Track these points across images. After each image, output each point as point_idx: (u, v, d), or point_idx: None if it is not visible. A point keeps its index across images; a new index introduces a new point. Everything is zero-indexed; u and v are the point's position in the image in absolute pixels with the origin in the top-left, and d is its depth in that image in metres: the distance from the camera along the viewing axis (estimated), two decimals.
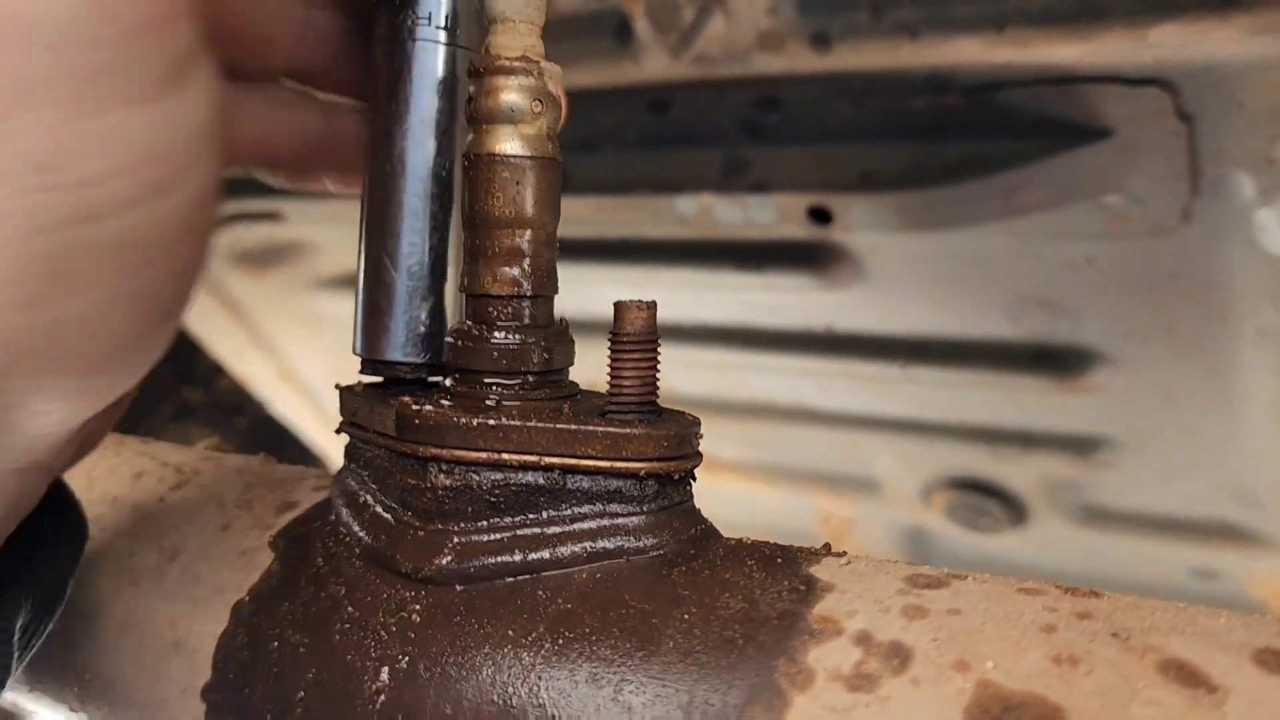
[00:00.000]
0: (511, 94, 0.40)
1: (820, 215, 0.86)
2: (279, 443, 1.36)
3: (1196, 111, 0.74)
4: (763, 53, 0.82)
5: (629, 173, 0.92)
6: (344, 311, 1.29)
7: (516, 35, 0.40)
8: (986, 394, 1.00)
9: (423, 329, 0.43)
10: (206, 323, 1.34)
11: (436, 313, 0.43)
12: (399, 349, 0.43)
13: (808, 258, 0.95)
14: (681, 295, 1.02)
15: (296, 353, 1.39)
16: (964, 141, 0.81)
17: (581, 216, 0.94)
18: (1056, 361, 0.95)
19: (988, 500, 1.09)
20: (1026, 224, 0.84)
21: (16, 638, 0.37)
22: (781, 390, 1.12)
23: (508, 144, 0.40)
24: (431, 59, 0.42)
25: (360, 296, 0.44)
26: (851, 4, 0.78)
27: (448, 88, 0.42)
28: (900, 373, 1.01)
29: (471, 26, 0.42)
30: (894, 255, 0.92)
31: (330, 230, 1.17)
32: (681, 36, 0.82)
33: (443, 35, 0.41)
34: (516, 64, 0.40)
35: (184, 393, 1.24)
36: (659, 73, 0.86)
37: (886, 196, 0.84)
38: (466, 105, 0.41)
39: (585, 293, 0.99)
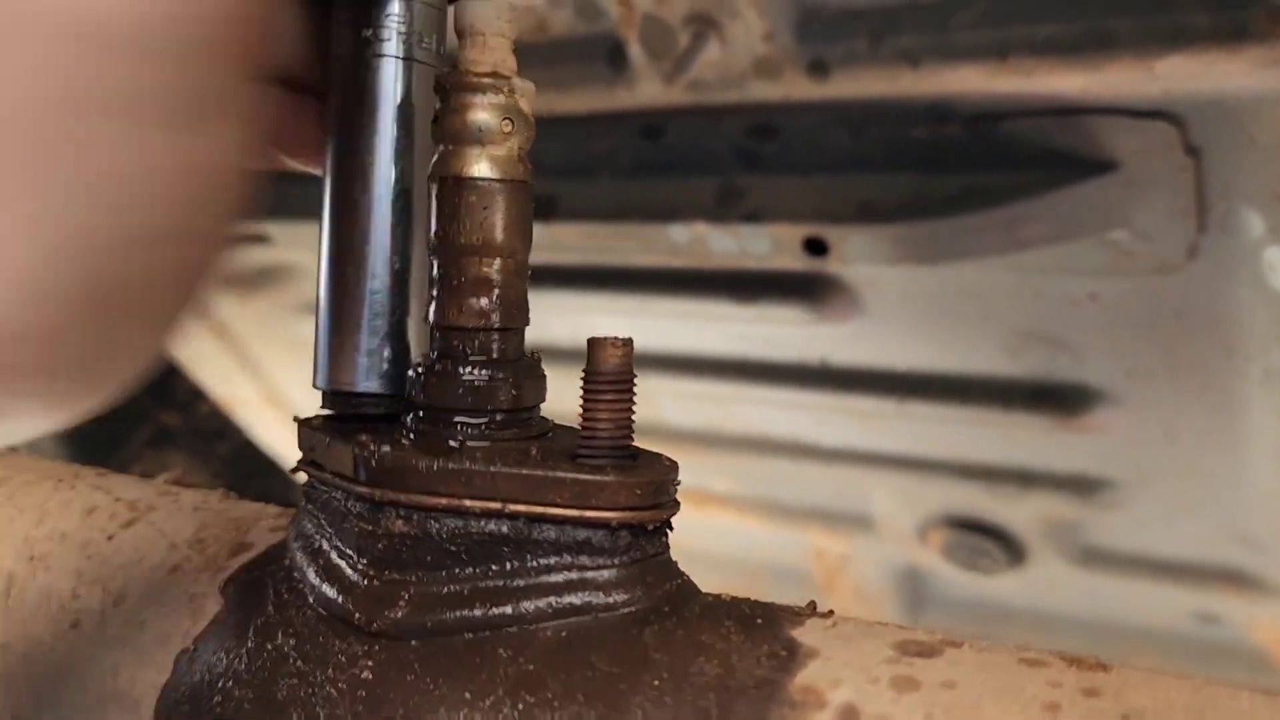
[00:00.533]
0: (480, 112, 0.38)
1: (816, 246, 0.84)
2: (261, 469, 1.33)
3: (1204, 145, 0.72)
4: (759, 80, 0.80)
5: (621, 200, 0.90)
6: None
7: (486, 50, 0.38)
8: (985, 431, 0.97)
9: (386, 361, 0.41)
10: (189, 344, 1.31)
11: (400, 344, 0.41)
12: (360, 381, 0.40)
13: (803, 289, 0.93)
14: (674, 325, 1.00)
15: (283, 376, 1.36)
16: (965, 173, 0.79)
17: (572, 244, 0.92)
18: (1057, 399, 0.93)
19: (985, 540, 1.06)
20: (1028, 258, 0.81)
21: None
22: (775, 424, 1.09)
23: (476, 166, 0.38)
24: (392, 76, 0.39)
25: (319, 325, 0.41)
26: (850, 31, 0.76)
27: (410, 106, 0.39)
28: (897, 408, 0.99)
29: (434, 40, 0.40)
30: (892, 288, 0.89)
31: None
32: (676, 62, 0.80)
33: (403, 50, 0.39)
34: (486, 80, 0.38)
35: (162, 418, 1.21)
36: (653, 99, 0.84)
37: (885, 228, 0.82)
38: (432, 124, 0.39)
39: (575, 321, 0.97)
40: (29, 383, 0.28)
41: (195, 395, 1.28)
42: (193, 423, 1.25)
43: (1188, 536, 0.99)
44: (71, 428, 0.95)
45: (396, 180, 0.40)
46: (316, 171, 0.45)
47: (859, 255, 0.84)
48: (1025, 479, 1.00)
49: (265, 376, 1.37)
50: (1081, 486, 0.99)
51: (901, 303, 0.90)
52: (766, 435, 1.11)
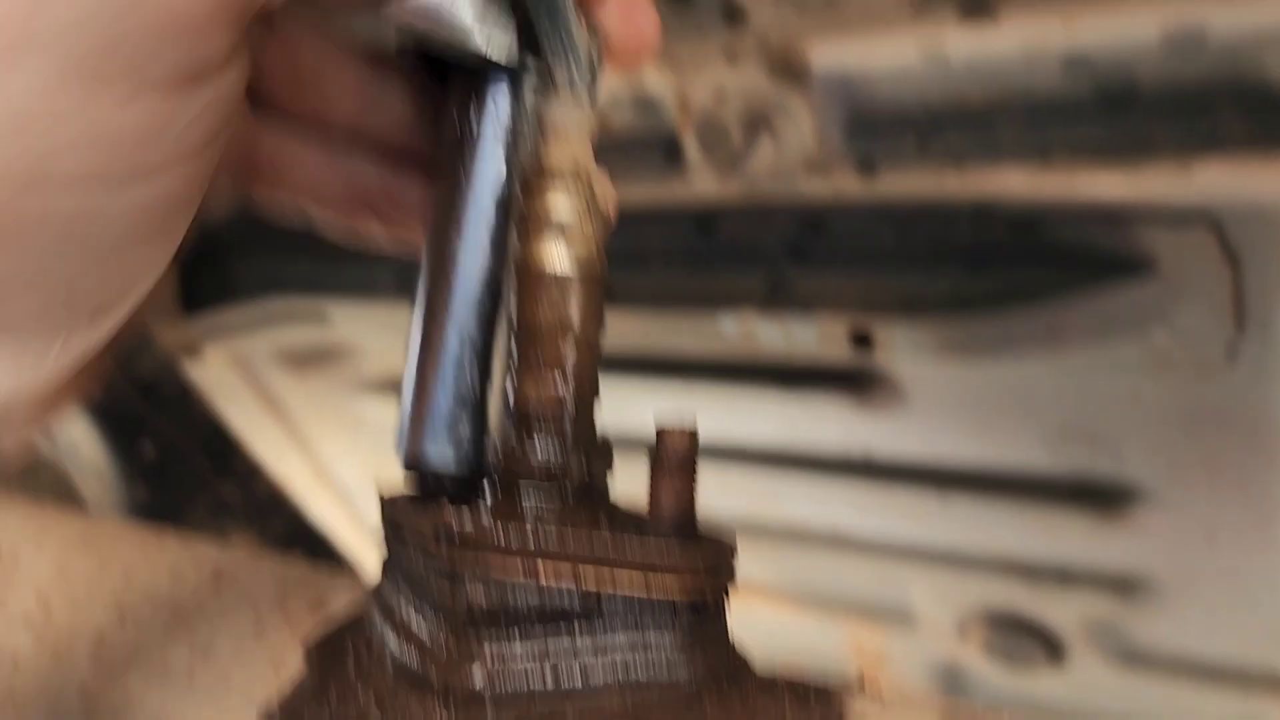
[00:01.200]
0: (560, 205, 0.41)
1: (862, 339, 0.86)
2: (312, 546, 1.36)
3: (1242, 248, 0.74)
4: (809, 177, 0.83)
5: (673, 289, 0.93)
6: (384, 416, 1.30)
7: (567, 146, 0.41)
8: (1026, 526, 0.98)
9: (465, 435, 0.43)
10: (246, 419, 1.35)
11: (479, 420, 0.43)
12: (440, 454, 0.43)
13: (848, 381, 0.95)
14: (720, 413, 1.02)
15: (334, 454, 1.39)
16: (1007, 271, 0.82)
17: (624, 331, 0.95)
18: (1098, 496, 0.94)
19: (1025, 637, 1.06)
20: (1069, 356, 0.83)
21: None
22: (817, 514, 1.10)
23: (555, 255, 0.41)
24: (491, 168, 0.42)
25: (404, 398, 0.44)
26: (898, 132, 0.79)
27: (506, 196, 0.43)
28: (939, 501, 1.00)
29: (533, 136, 0.43)
30: (935, 382, 0.92)
31: (375, 335, 1.18)
32: (730, 159, 0.84)
33: (505, 143, 0.42)
34: (566, 174, 0.41)
35: (221, 490, 1.25)
36: (707, 192, 0.88)
37: (929, 323, 0.84)
38: (517, 215, 0.42)
39: (625, 408, 1.00)
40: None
41: (253, 470, 1.31)
42: (250, 496, 1.29)
43: (1230, 639, 0.98)
44: (134, 496, 0.98)
45: (487, 265, 0.43)
46: (411, 240, 0.48)
47: (903, 349, 0.87)
48: (1065, 576, 1.01)
49: (316, 454, 1.40)
50: (1122, 585, 0.99)
51: (945, 397, 0.92)
52: (808, 525, 1.13)
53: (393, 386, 1.27)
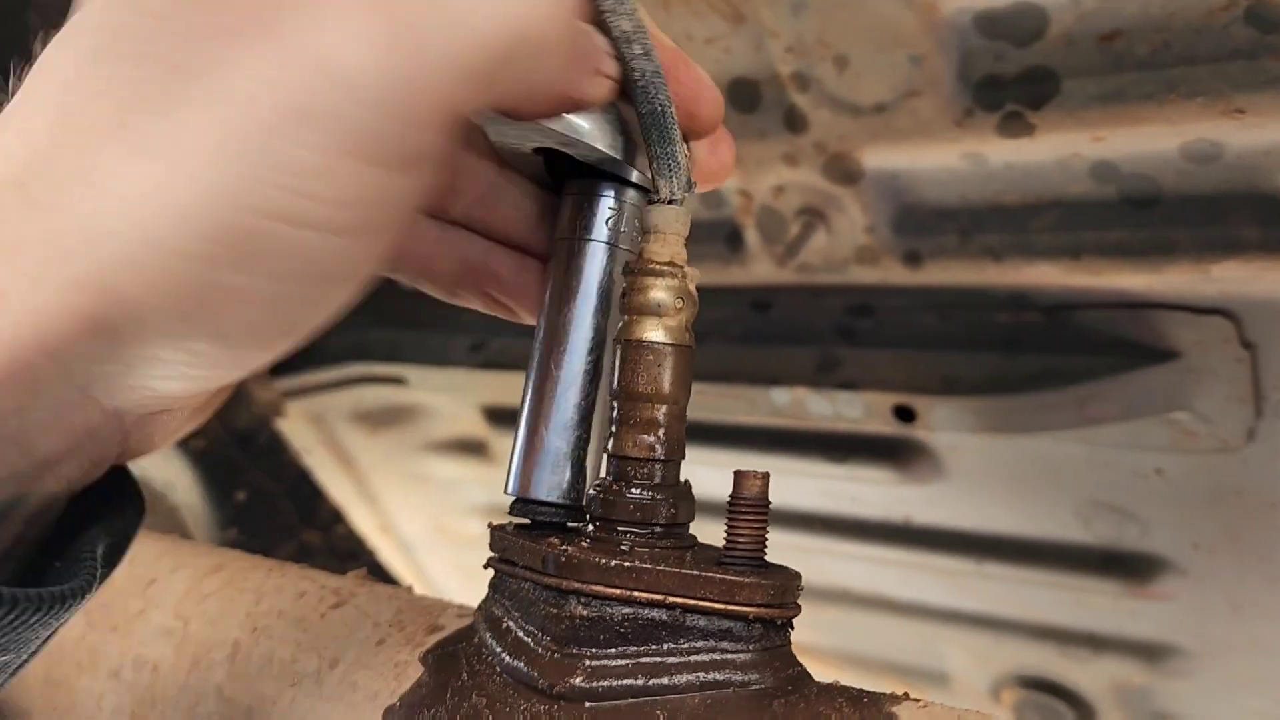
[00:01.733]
0: (659, 292, 0.49)
1: (905, 414, 0.94)
2: None
3: (1258, 340, 0.81)
4: (859, 265, 0.91)
5: (730, 364, 1.01)
6: (447, 474, 1.38)
7: (666, 244, 0.50)
8: (1057, 594, 1.04)
9: (567, 480, 0.51)
10: (324, 472, 1.44)
11: (579, 467, 0.51)
12: (544, 494, 0.51)
13: (891, 452, 1.02)
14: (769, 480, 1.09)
15: (398, 509, 1.47)
16: (1041, 355, 0.89)
17: None
18: (1126, 567, 0.99)
19: (1056, 701, 1.11)
20: (1098, 434, 0.90)
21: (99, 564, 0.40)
22: (858, 578, 1.16)
23: (653, 333, 0.49)
24: (598, 259, 0.51)
25: (517, 446, 0.52)
26: (942, 228, 0.87)
27: (609, 282, 0.51)
28: (975, 568, 1.06)
29: (635, 231, 0.52)
30: (972, 455, 0.98)
31: (447, 398, 1.27)
32: (787, 247, 0.92)
33: (610, 238, 0.51)
34: (665, 268, 0.49)
35: (304, 535, 1.33)
36: (764, 277, 0.96)
37: (967, 400, 0.91)
38: (621, 298, 0.50)
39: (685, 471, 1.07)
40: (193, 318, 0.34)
41: (336, 518, 1.40)
42: (330, 542, 1.37)
43: (1256, 709, 1.03)
44: (225, 538, 1.06)
45: (591, 339, 0.51)
46: (507, 316, 0.56)
47: (943, 424, 0.94)
48: (1096, 643, 1.06)
49: (381, 507, 1.48)
50: (1150, 653, 1.04)
51: (981, 469, 0.99)
52: (848, 588, 1.19)
53: (458, 446, 1.35)
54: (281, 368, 1.30)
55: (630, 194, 0.51)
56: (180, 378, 0.37)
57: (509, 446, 0.53)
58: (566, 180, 0.52)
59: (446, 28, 0.33)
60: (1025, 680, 1.13)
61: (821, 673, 0.48)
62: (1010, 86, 0.77)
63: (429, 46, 0.33)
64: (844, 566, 1.16)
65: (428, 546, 1.52)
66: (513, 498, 0.52)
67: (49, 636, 0.40)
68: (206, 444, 1.20)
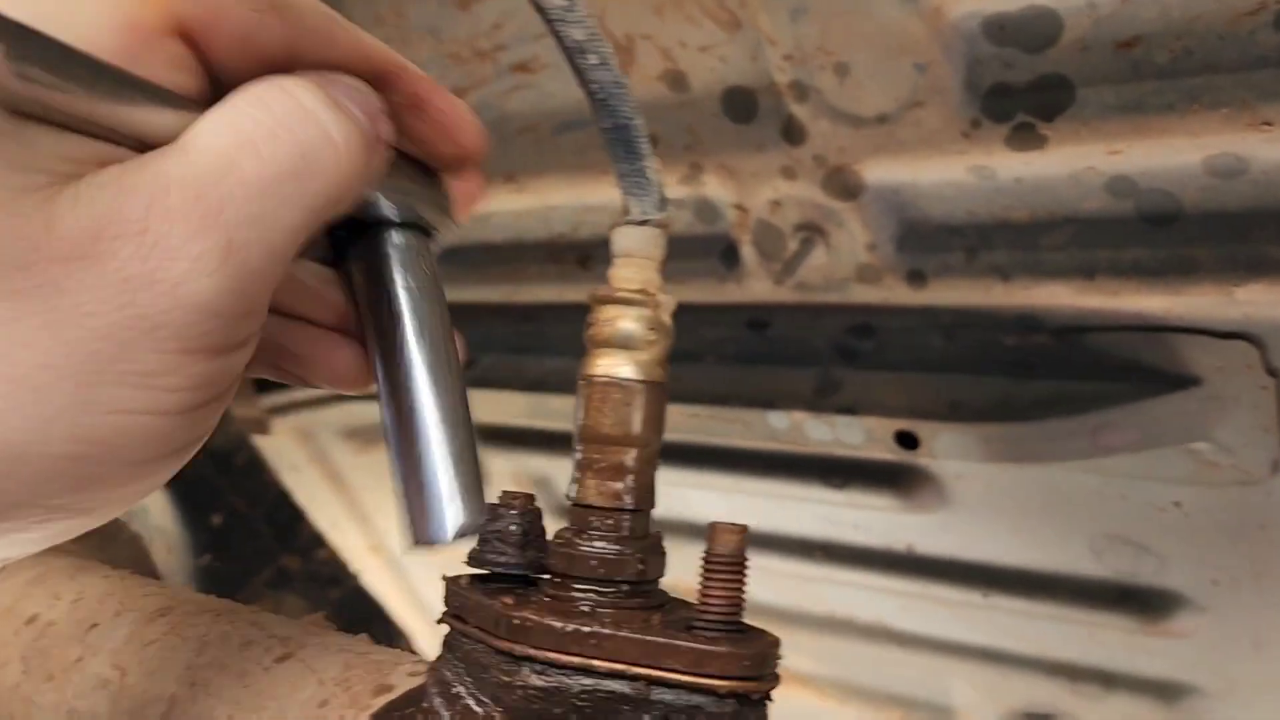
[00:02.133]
0: (629, 323, 0.44)
1: (907, 440, 0.89)
2: (367, 619, 1.39)
3: None
4: (860, 284, 0.87)
5: (726, 385, 0.96)
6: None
7: (637, 269, 0.45)
8: (1069, 629, 0.99)
9: (459, 510, 0.45)
10: (308, 492, 1.39)
11: (473, 492, 0.45)
12: (440, 532, 0.45)
13: (892, 479, 0.97)
14: (767, 506, 1.05)
15: (388, 528, 1.43)
16: (1051, 380, 0.84)
17: (677, 424, 0.98)
18: (1141, 603, 0.94)
19: None
20: (1113, 464, 0.85)
21: None
22: (861, 607, 1.12)
23: (622, 368, 0.44)
24: (395, 300, 0.46)
25: (398, 492, 0.47)
26: (947, 245, 0.82)
27: (412, 317, 0.46)
28: (982, 600, 1.01)
29: (422, 269, 0.47)
30: (978, 484, 0.93)
31: None
32: (785, 264, 0.88)
33: (399, 238, 0.47)
34: (635, 295, 0.44)
35: (283, 560, 1.29)
36: (761, 295, 0.92)
37: (973, 427, 0.86)
38: (585, 329, 0.45)
39: (674, 495, 1.02)
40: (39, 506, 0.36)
41: (316, 542, 1.35)
42: (310, 567, 1.33)
43: None
44: (198, 564, 1.01)
45: (428, 372, 0.46)
46: (326, 387, 0.52)
47: (948, 451, 0.89)
48: (1108, 680, 1.01)
49: (372, 526, 1.44)
50: (1165, 692, 0.99)
51: (988, 498, 0.94)
52: (851, 618, 1.14)
53: None
54: (267, 383, 1.26)
55: (412, 232, 0.48)
56: (18, 547, 0.39)
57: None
58: (347, 247, 0.48)
59: (257, 232, 0.36)
60: (1034, 717, 1.08)
61: (822, 705, 0.43)
62: (1021, 96, 0.72)
63: (250, 255, 0.36)
64: (845, 595, 1.11)
65: (418, 565, 1.47)
66: (411, 544, 0.47)
67: None
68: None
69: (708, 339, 0.96)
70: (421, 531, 0.46)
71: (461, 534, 0.46)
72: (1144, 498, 0.88)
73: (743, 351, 0.96)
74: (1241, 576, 0.89)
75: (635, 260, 0.45)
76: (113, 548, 0.85)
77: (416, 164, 0.46)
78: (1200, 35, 0.65)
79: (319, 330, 0.50)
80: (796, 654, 1.19)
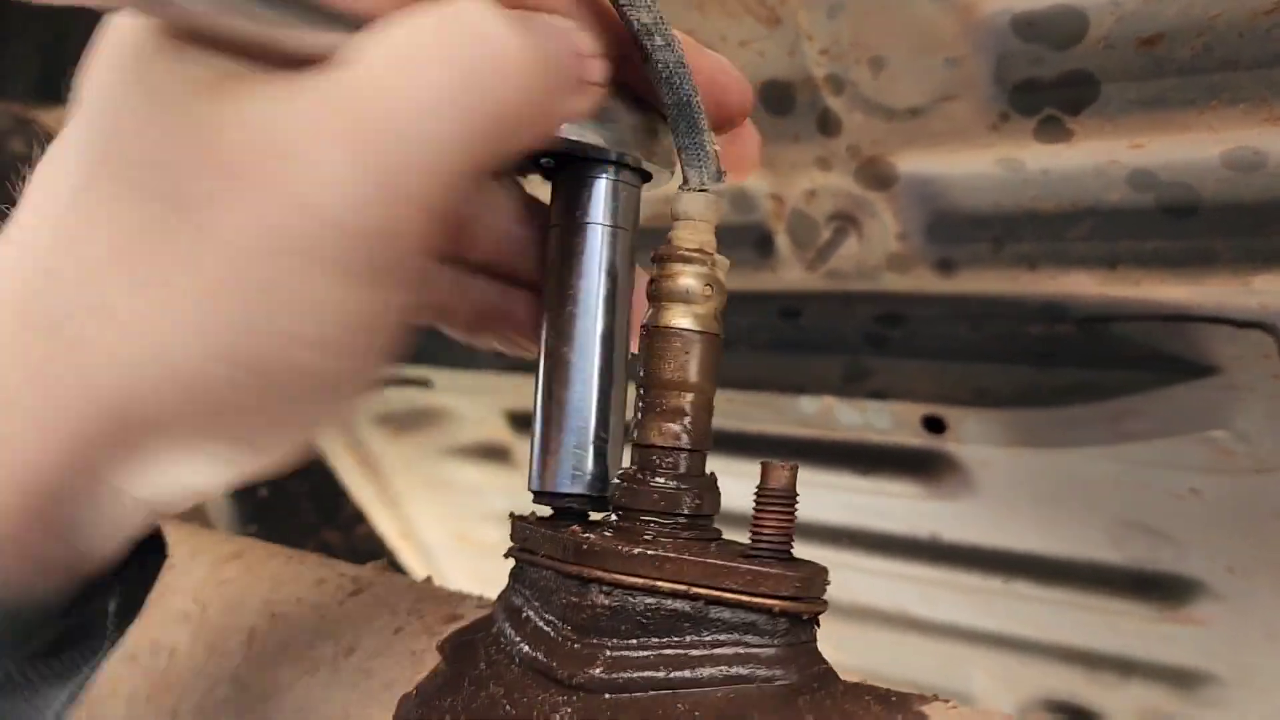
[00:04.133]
0: (688, 279, 0.48)
1: (934, 424, 0.92)
2: None
3: None
4: (890, 273, 0.90)
5: (757, 371, 1.00)
6: (471, 479, 1.37)
7: (696, 231, 0.49)
8: (1087, 616, 1.02)
9: (589, 471, 0.50)
10: (343, 473, 1.43)
11: (600, 457, 0.50)
12: (566, 485, 0.50)
13: (919, 465, 1.00)
14: None
15: (419, 514, 1.46)
16: (1075, 367, 0.87)
17: None
18: (1159, 590, 0.97)
19: None
20: (1133, 451, 0.88)
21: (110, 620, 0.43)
22: (883, 595, 1.15)
23: (681, 320, 0.48)
24: (598, 241, 0.50)
25: (536, 441, 0.51)
26: (975, 236, 0.86)
27: (612, 265, 0.50)
28: (1003, 587, 1.04)
29: (633, 213, 0.51)
30: (1003, 470, 0.96)
31: (472, 402, 1.26)
32: (818, 253, 0.91)
33: (610, 220, 0.50)
34: (694, 254, 0.48)
35: (325, 534, 1.33)
36: (793, 283, 0.95)
37: (998, 412, 0.90)
38: (649, 285, 0.49)
39: None
40: (199, 431, 0.36)
41: (357, 518, 1.39)
42: (351, 542, 1.36)
43: None
44: (245, 533, 1.05)
45: (602, 325, 0.50)
46: (526, 354, 0.55)
47: (973, 436, 0.92)
48: (1126, 667, 1.04)
49: (403, 511, 1.48)
50: (1181, 679, 1.02)
51: (1011, 484, 0.97)
52: (873, 605, 1.17)
53: (481, 452, 1.34)
54: None
55: (623, 172, 0.51)
56: (201, 477, 0.39)
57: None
58: (556, 169, 0.51)
59: (414, 147, 0.35)
60: (1052, 704, 1.10)
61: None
62: (1048, 90, 0.76)
63: (398, 174, 0.35)
64: (868, 582, 1.14)
65: (448, 554, 1.51)
66: (534, 488, 0.51)
67: (71, 698, 0.42)
68: None
69: (741, 327, 1.00)
70: (543, 481, 0.50)
71: (577, 494, 0.49)
72: (1162, 485, 0.91)
73: (775, 339, 0.99)
74: (1257, 564, 0.92)
75: (694, 223, 0.48)
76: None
77: (647, 107, 0.47)
78: (1220, 33, 0.69)
79: (496, 285, 0.53)
80: (820, 642, 1.22)
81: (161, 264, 0.34)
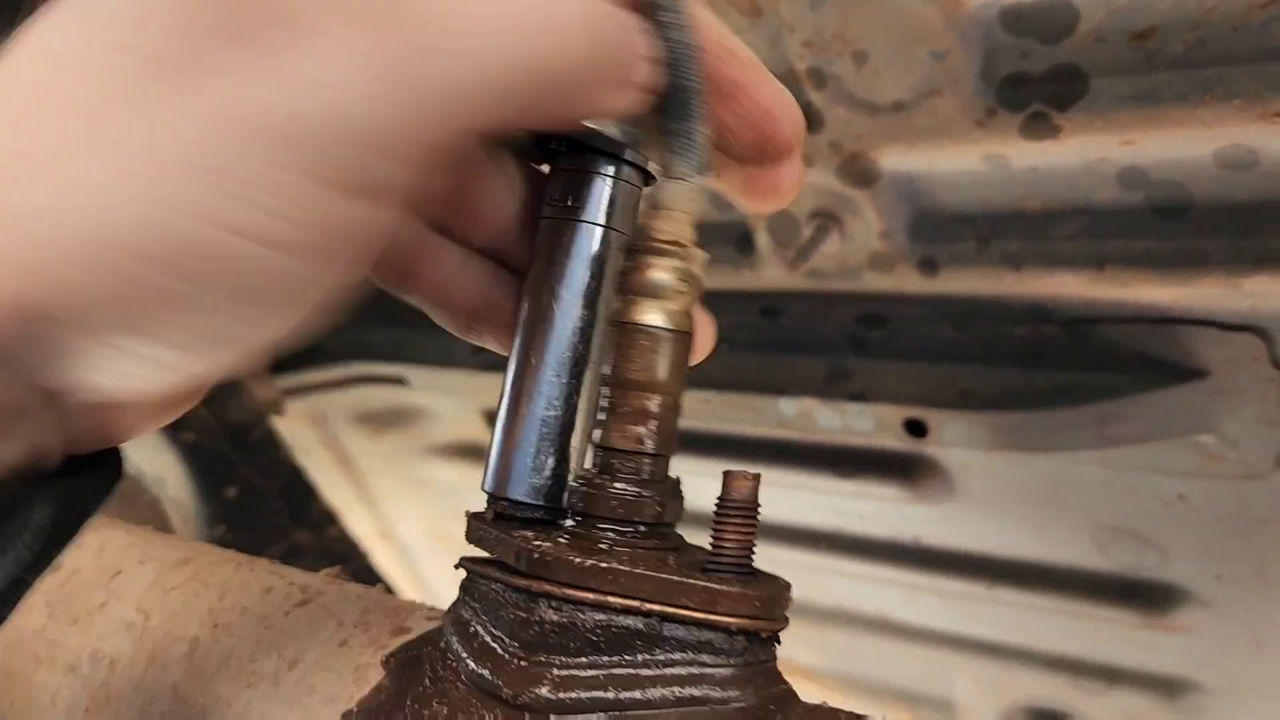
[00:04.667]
0: (660, 272, 0.45)
1: (916, 428, 0.90)
2: None
3: None
4: (873, 272, 0.88)
5: (737, 372, 0.98)
6: (450, 479, 1.35)
7: (672, 222, 0.46)
8: (1072, 623, 0.99)
9: (549, 473, 0.47)
10: (321, 473, 1.41)
11: (561, 463, 0.48)
12: (523, 489, 0.47)
13: (901, 469, 0.98)
14: (774, 494, 1.05)
15: (398, 514, 1.44)
16: (1060, 370, 0.85)
17: (689, 409, 0.98)
18: (1144, 597, 0.95)
19: None
20: (1119, 455, 0.86)
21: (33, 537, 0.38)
22: (864, 599, 1.13)
23: (651, 316, 0.45)
24: (589, 240, 0.47)
25: (495, 440, 0.48)
26: (960, 234, 0.84)
27: (599, 265, 0.47)
28: (986, 592, 1.02)
29: (630, 214, 0.48)
30: (986, 474, 0.94)
31: (450, 400, 1.24)
32: (799, 251, 0.89)
33: (603, 219, 0.47)
34: (669, 246, 0.45)
35: (295, 535, 1.30)
36: (774, 282, 0.93)
37: (982, 415, 0.87)
38: (620, 277, 0.46)
39: (685, 486, 1.03)
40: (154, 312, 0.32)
41: (328, 518, 1.37)
42: (322, 543, 1.34)
43: None
44: (212, 535, 1.02)
45: (579, 323, 0.48)
46: (499, 348, 0.52)
47: (956, 439, 0.90)
48: (1110, 675, 1.02)
49: (381, 511, 1.45)
50: (1166, 688, 1.00)
51: (995, 488, 0.95)
52: (855, 610, 1.15)
53: (459, 451, 1.32)
54: (282, 365, 1.27)
55: (627, 172, 0.48)
56: (119, 375, 0.35)
57: None
58: (559, 154, 0.49)
59: (449, 61, 0.32)
60: (1035, 712, 1.08)
61: (823, 697, 0.44)
62: (1036, 86, 0.73)
63: (424, 81, 0.31)
64: (849, 586, 1.12)
65: (427, 554, 1.49)
66: (490, 489, 0.49)
67: None
68: (197, 437, 1.17)
69: (721, 326, 0.97)
70: (498, 482, 0.47)
71: (530, 498, 0.47)
72: (1149, 491, 0.88)
73: (756, 339, 0.97)
74: (1244, 572, 0.90)
75: (671, 214, 0.46)
76: (132, 511, 0.86)
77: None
78: (1214, 26, 0.67)
79: (497, 272, 0.49)
80: (800, 647, 1.20)
81: (135, 128, 0.31)
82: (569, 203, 0.47)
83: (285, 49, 0.30)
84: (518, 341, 0.48)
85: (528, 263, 0.50)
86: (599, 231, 0.47)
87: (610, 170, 0.48)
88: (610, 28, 0.37)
